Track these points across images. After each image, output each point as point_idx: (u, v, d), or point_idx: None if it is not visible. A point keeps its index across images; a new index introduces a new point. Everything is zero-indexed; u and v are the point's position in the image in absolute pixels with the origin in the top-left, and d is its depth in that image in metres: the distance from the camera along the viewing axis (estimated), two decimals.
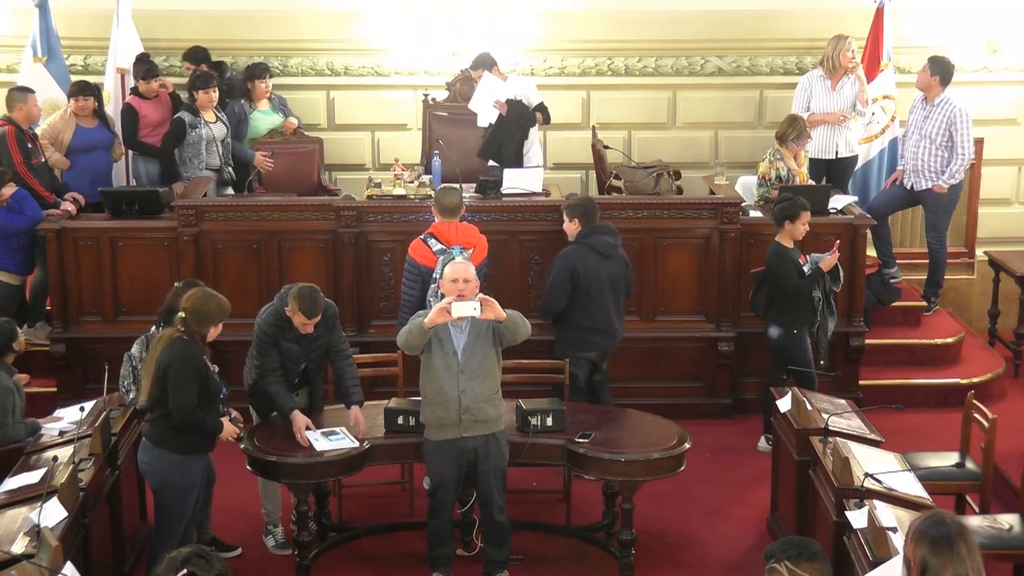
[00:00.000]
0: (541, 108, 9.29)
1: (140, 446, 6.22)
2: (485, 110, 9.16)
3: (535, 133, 9.39)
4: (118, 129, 9.37)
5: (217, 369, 6.49)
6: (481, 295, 6.16)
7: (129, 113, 9.29)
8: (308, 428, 6.47)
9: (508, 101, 9.08)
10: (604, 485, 7.01)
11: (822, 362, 7.91)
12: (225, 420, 6.14)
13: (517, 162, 9.07)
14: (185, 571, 4.12)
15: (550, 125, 10.11)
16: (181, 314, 6.05)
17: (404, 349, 6.43)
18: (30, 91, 8.78)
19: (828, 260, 7.74)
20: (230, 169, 9.34)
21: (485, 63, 9.29)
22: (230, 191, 9.38)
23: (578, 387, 7.48)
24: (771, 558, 4.20)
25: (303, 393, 6.81)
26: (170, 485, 6.05)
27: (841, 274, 7.89)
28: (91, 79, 9.66)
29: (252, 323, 6.70)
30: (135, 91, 9.40)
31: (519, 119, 9.13)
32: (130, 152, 9.49)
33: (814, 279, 7.76)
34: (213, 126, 9.18)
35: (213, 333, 6.10)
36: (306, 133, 9.76)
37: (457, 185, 8.27)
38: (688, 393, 8.57)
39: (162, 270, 8.27)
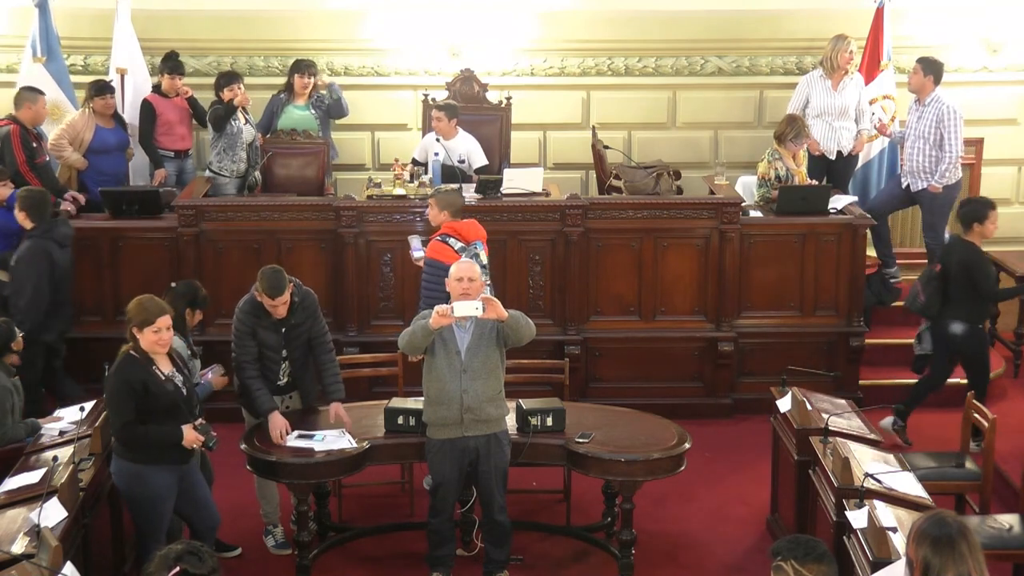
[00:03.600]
0: (481, 172, 9.01)
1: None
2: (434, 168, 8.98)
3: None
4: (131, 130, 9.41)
5: (196, 369, 6.48)
6: (484, 295, 6.16)
7: (147, 110, 9.30)
8: (286, 430, 6.46)
9: (444, 167, 8.88)
10: (604, 485, 7.01)
11: None
12: (187, 427, 5.91)
13: None
14: (178, 568, 4.11)
15: (550, 125, 10.14)
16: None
17: (405, 351, 6.43)
18: (41, 93, 8.78)
19: None
20: (257, 173, 9.34)
21: (453, 112, 9.06)
22: None
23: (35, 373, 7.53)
24: (777, 555, 4.20)
25: (295, 396, 6.81)
26: (134, 495, 5.97)
27: None
28: (92, 79, 9.68)
29: None
30: (156, 89, 9.44)
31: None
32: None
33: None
34: (244, 127, 9.18)
35: (146, 337, 5.85)
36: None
37: (456, 185, 8.28)
38: (688, 393, 8.57)
39: (162, 270, 8.27)
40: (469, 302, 6.05)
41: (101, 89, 9.03)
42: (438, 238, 7.30)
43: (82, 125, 8.96)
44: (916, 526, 4.27)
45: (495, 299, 6.14)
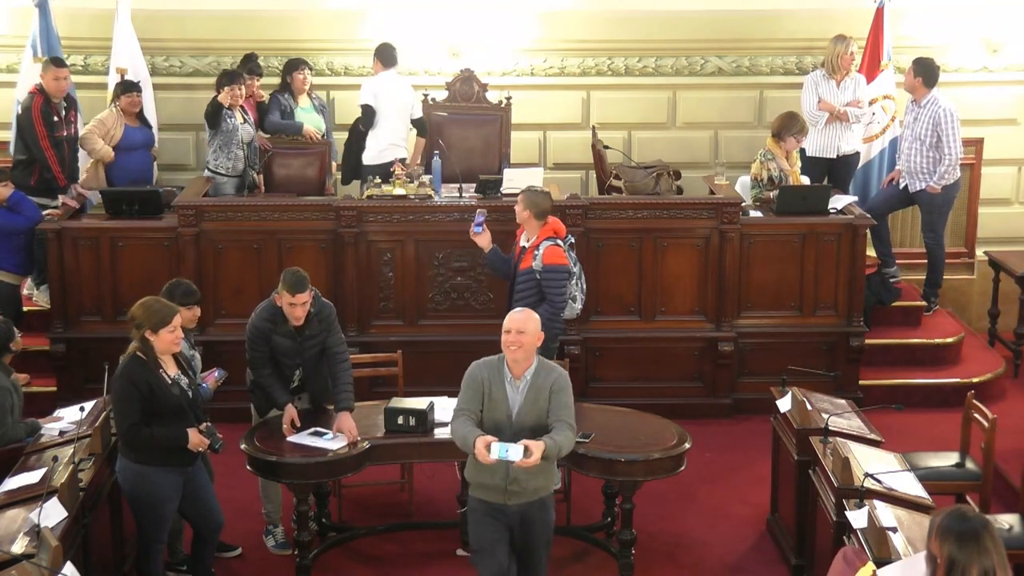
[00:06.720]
0: (418, 123, 9.36)
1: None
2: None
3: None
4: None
5: (198, 373, 6.47)
6: (526, 440, 5.44)
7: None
8: (294, 424, 6.47)
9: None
10: (604, 485, 7.01)
11: None
12: (192, 431, 5.91)
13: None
14: None
15: (550, 125, 10.14)
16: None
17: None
18: (57, 64, 8.87)
19: None
20: (254, 173, 9.34)
21: (385, 57, 9.29)
22: None
23: None
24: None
25: (303, 397, 6.81)
26: (138, 496, 5.98)
27: None
28: (92, 79, 9.71)
29: None
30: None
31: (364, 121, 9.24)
32: None
33: None
34: (240, 126, 9.17)
35: (163, 339, 5.87)
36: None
37: (540, 185, 8.14)
38: (688, 393, 8.57)
39: (162, 270, 8.26)
40: (518, 447, 5.38)
41: (128, 87, 9.12)
42: (549, 242, 7.27)
43: (112, 123, 9.01)
44: (937, 523, 4.19)
45: (537, 445, 5.43)
